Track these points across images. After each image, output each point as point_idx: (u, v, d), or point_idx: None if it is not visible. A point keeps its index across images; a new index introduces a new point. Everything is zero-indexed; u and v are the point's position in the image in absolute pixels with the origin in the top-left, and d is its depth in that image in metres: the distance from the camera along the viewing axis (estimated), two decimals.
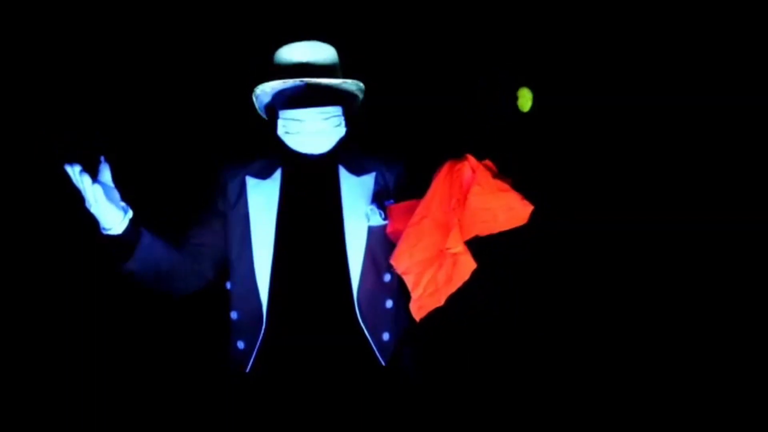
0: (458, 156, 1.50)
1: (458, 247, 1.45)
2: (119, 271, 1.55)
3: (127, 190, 1.52)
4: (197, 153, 2.26)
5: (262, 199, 1.67)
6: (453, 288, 1.48)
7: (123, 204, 1.50)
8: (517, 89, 1.68)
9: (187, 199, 1.81)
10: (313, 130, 1.65)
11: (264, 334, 1.61)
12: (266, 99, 1.75)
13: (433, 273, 1.50)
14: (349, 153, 1.72)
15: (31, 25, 2.33)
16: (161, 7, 2.36)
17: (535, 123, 2.17)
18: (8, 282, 2.32)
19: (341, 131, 1.69)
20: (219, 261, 1.69)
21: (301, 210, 1.67)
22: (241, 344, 1.64)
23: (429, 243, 1.50)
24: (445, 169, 1.50)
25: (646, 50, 2.36)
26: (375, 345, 1.62)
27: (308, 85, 1.66)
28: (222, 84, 2.28)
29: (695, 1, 2.33)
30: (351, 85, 1.71)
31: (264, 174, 1.70)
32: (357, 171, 1.70)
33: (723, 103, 2.31)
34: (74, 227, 2.03)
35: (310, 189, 1.68)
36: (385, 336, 1.63)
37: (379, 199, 1.67)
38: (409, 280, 1.52)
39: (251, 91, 1.70)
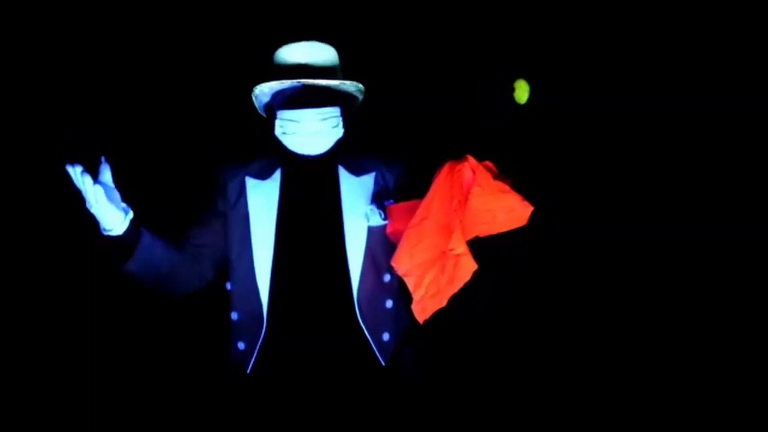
0: (458, 157, 1.50)
1: (460, 248, 1.45)
2: (119, 272, 1.55)
3: (127, 190, 1.52)
4: (197, 153, 2.26)
5: (262, 200, 1.67)
6: (454, 289, 1.48)
7: (123, 205, 1.50)
8: (513, 81, 1.68)
9: (187, 199, 1.81)
10: (310, 131, 1.66)
11: (264, 334, 1.61)
12: (265, 99, 1.75)
13: (435, 274, 1.50)
14: (349, 153, 1.72)
15: (31, 25, 2.33)
16: (161, 7, 2.36)
17: (535, 123, 2.17)
18: (9, 282, 2.32)
19: (339, 132, 1.69)
20: (219, 261, 1.69)
21: (301, 210, 1.67)
22: (241, 345, 1.64)
23: (430, 244, 1.50)
24: (445, 169, 1.51)
25: (646, 50, 2.36)
26: (375, 345, 1.62)
27: (306, 86, 1.66)
28: (222, 84, 2.28)
29: (695, 1, 2.33)
30: (350, 86, 1.71)
31: (264, 174, 1.70)
32: (357, 171, 1.70)
33: (723, 103, 2.31)
34: (75, 228, 2.03)
35: (309, 189, 1.68)
36: (385, 336, 1.63)
37: (378, 199, 1.67)
38: (410, 282, 1.52)
39: (251, 91, 1.70)
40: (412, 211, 1.53)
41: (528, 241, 1.51)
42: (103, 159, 1.49)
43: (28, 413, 2.29)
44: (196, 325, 2.24)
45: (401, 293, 1.63)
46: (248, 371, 1.62)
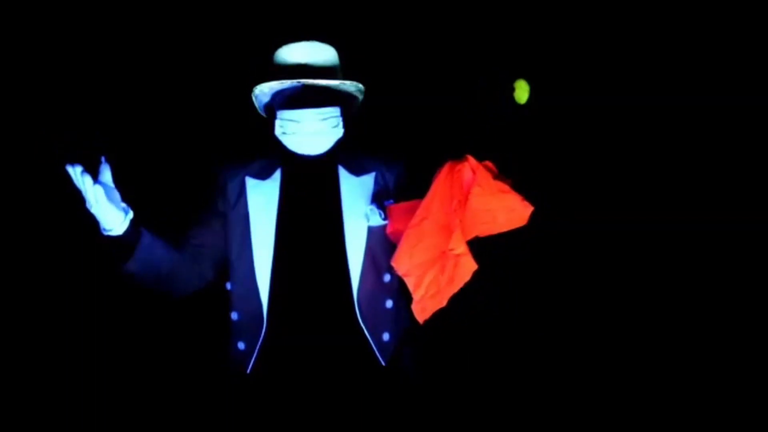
0: (458, 157, 1.50)
1: (460, 248, 1.45)
2: (119, 272, 1.55)
3: (127, 190, 1.52)
4: (197, 153, 2.26)
5: (262, 200, 1.67)
6: (454, 289, 1.48)
7: (123, 205, 1.50)
8: (513, 81, 1.68)
9: (187, 200, 1.81)
10: (309, 131, 1.66)
11: (264, 334, 1.61)
12: (265, 99, 1.75)
13: (435, 275, 1.49)
14: (349, 153, 1.72)
15: (31, 25, 2.33)
16: (161, 8, 2.36)
17: (535, 123, 2.17)
18: (9, 283, 2.32)
19: (339, 132, 1.69)
20: (219, 261, 1.69)
21: (301, 210, 1.67)
22: (241, 345, 1.64)
23: (429, 244, 1.50)
24: (445, 169, 1.50)
25: (646, 50, 2.36)
26: (375, 345, 1.62)
27: (305, 86, 1.66)
28: (222, 84, 2.28)
29: (695, 1, 2.33)
30: (349, 86, 1.71)
31: (264, 174, 1.70)
32: (357, 171, 1.70)
33: (723, 103, 2.31)
34: (75, 228, 2.03)
35: (309, 189, 1.68)
36: (385, 336, 1.63)
37: (378, 199, 1.67)
38: (410, 282, 1.52)
39: (251, 91, 1.70)
40: (412, 211, 1.53)
41: (528, 241, 1.51)
42: (103, 159, 1.48)
43: (29, 413, 2.29)
44: (196, 325, 2.24)
45: (401, 293, 1.63)
46: (248, 371, 1.62)
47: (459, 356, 2.34)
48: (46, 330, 2.33)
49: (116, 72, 2.36)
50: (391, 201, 1.65)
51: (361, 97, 1.76)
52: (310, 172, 1.69)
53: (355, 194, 1.67)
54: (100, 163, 1.48)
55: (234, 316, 1.66)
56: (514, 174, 1.49)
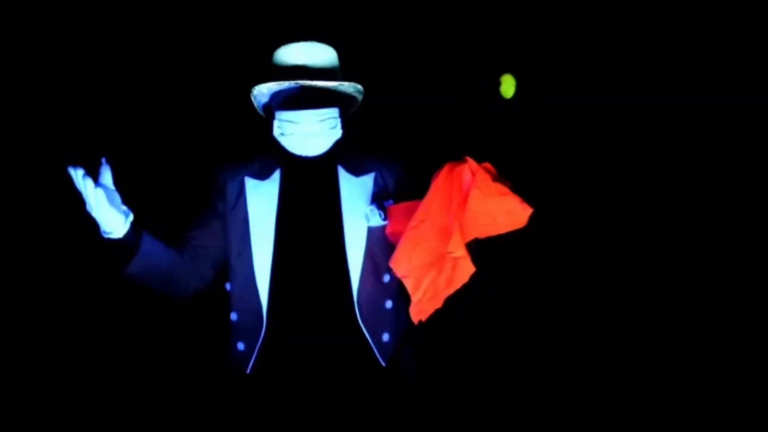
0: (458, 158, 1.50)
1: (459, 251, 1.45)
2: (120, 274, 1.55)
3: (127, 191, 1.51)
4: (197, 153, 2.26)
5: (262, 200, 1.67)
6: (452, 291, 1.48)
7: (124, 207, 1.49)
8: (500, 76, 1.67)
9: (186, 201, 1.81)
10: (307, 132, 1.65)
11: (264, 335, 1.61)
12: (264, 99, 1.75)
13: (433, 277, 1.49)
14: (349, 153, 1.72)
15: (31, 25, 2.33)
16: (161, 7, 2.36)
17: (535, 124, 2.17)
18: (9, 284, 2.32)
19: (337, 133, 1.69)
20: (219, 262, 1.69)
21: (301, 211, 1.66)
22: (241, 345, 1.64)
23: (428, 246, 1.49)
24: (444, 171, 1.50)
25: (646, 50, 2.36)
26: (375, 345, 1.62)
27: (303, 87, 1.65)
28: (221, 84, 2.28)
29: (695, 1, 2.32)
30: (348, 87, 1.70)
31: (263, 175, 1.70)
32: (356, 171, 1.69)
33: (723, 103, 2.31)
34: (75, 230, 2.03)
35: (309, 189, 1.68)
36: (385, 336, 1.63)
37: (378, 199, 1.67)
38: (408, 284, 1.52)
39: (249, 91, 1.70)
40: (411, 212, 1.53)
41: (527, 242, 1.51)
42: (103, 161, 1.48)
43: (29, 413, 2.29)
44: (197, 326, 2.24)
45: (401, 294, 1.63)
46: (248, 372, 1.62)
47: (459, 357, 2.35)
48: (47, 331, 2.33)
49: (116, 72, 2.36)
50: (391, 201, 1.65)
51: (360, 97, 1.76)
52: (310, 173, 1.69)
53: (355, 195, 1.67)
54: (100, 164, 1.47)
55: (233, 316, 1.66)
56: (513, 175, 1.49)
